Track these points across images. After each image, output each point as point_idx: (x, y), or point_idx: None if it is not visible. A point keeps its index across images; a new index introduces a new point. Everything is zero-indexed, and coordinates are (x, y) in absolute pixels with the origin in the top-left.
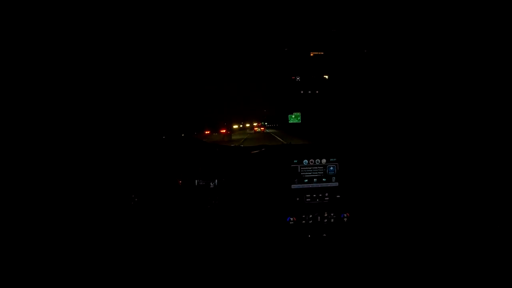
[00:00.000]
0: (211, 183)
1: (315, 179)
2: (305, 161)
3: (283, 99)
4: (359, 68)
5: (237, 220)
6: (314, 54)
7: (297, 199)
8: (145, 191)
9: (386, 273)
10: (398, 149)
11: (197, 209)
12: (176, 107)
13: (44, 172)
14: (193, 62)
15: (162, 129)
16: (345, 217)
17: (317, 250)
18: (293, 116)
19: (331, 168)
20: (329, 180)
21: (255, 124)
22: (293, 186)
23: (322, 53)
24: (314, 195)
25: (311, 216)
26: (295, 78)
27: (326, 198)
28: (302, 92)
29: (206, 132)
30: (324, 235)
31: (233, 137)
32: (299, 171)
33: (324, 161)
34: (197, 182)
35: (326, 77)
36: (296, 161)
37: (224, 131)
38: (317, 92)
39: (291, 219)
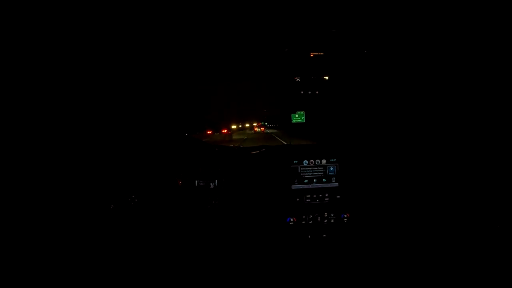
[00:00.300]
0: (211, 184)
1: (315, 180)
2: (305, 161)
3: (286, 98)
4: (359, 69)
5: (237, 221)
6: (314, 55)
7: (297, 199)
8: (145, 192)
9: (386, 274)
10: (398, 150)
11: (197, 209)
12: (178, 107)
13: (44, 173)
14: (193, 63)
15: (165, 129)
16: (345, 218)
17: (317, 250)
18: (296, 116)
19: (331, 168)
20: (329, 180)
21: (255, 124)
22: (293, 187)
23: (322, 53)
24: (314, 196)
25: (311, 216)
26: (296, 79)
27: (326, 199)
28: (302, 92)
29: (208, 132)
30: (324, 235)
31: (233, 137)
32: (299, 171)
33: (324, 161)
34: (197, 182)
35: (326, 77)
36: (296, 161)
37: (225, 131)
38: (317, 92)
39: (291, 219)
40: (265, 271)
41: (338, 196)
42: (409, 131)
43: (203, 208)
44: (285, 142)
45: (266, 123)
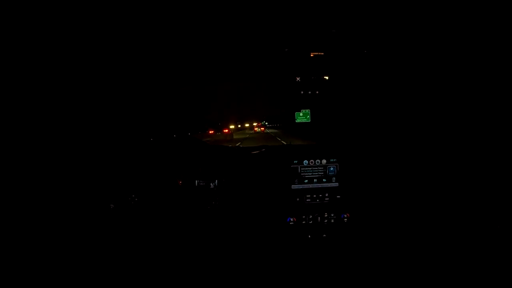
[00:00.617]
0: (211, 184)
1: (315, 180)
2: (305, 161)
3: (290, 97)
4: (359, 69)
5: (237, 221)
6: (314, 55)
7: (297, 199)
8: (146, 191)
9: (386, 274)
10: (398, 150)
11: (197, 209)
12: (178, 107)
13: (44, 173)
14: (193, 63)
15: (166, 129)
16: (345, 218)
17: (317, 250)
18: (301, 115)
19: (331, 168)
20: (329, 180)
21: (254, 124)
22: (293, 187)
23: (322, 53)
24: (314, 196)
25: (311, 216)
26: (296, 79)
27: (326, 199)
28: (302, 92)
29: (210, 132)
30: (324, 235)
31: (234, 137)
32: (299, 171)
33: (324, 161)
34: (197, 182)
35: (326, 77)
36: (296, 161)
37: (226, 130)
38: (317, 92)
39: (291, 219)
40: (266, 271)
41: (338, 196)
42: (409, 131)
43: (203, 208)
44: (285, 142)
45: (266, 123)
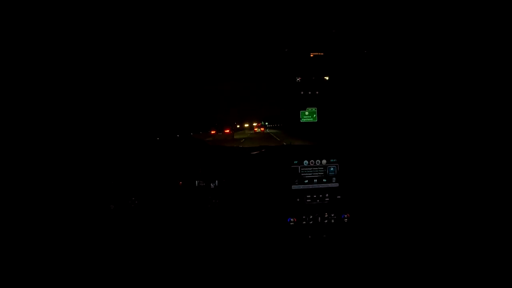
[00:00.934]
0: (211, 184)
1: (315, 180)
2: (306, 161)
3: (292, 96)
4: (359, 69)
5: (237, 221)
6: (314, 55)
7: (298, 199)
8: (145, 193)
9: (386, 274)
10: (399, 150)
11: (197, 210)
12: (181, 108)
13: (43, 175)
14: (194, 63)
15: (167, 130)
16: (345, 218)
17: (317, 250)
18: (306, 113)
19: (332, 168)
20: (329, 180)
21: (254, 124)
22: (294, 187)
23: (322, 53)
24: (315, 196)
25: (311, 216)
26: (297, 79)
27: (326, 199)
28: (302, 92)
29: (212, 132)
30: (325, 235)
31: (235, 137)
32: (299, 171)
33: (324, 161)
34: (198, 183)
35: (326, 78)
36: (296, 161)
37: (227, 131)
38: (317, 93)
39: (292, 219)
40: (266, 271)
41: (339, 197)
42: (409, 131)
43: (204, 209)
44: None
45: (266, 123)
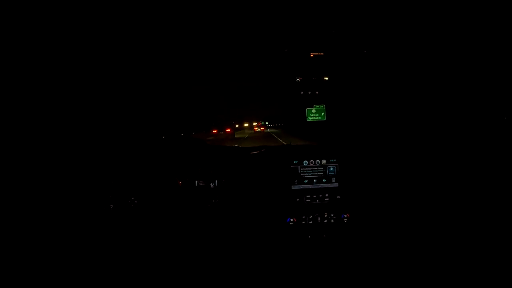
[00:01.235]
0: (211, 184)
1: (315, 180)
2: (305, 161)
3: (292, 96)
4: (359, 69)
5: (237, 221)
6: (314, 55)
7: (297, 199)
8: (145, 193)
9: (386, 274)
10: (398, 150)
11: (197, 209)
12: (182, 108)
13: (42, 175)
14: (193, 64)
15: (167, 129)
16: (345, 218)
17: (317, 250)
18: (313, 111)
19: (331, 168)
20: (329, 180)
21: (254, 124)
22: (293, 187)
23: (322, 54)
24: (314, 196)
25: (311, 216)
26: (297, 79)
27: (326, 199)
28: (302, 93)
29: (214, 131)
30: (324, 235)
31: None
32: (299, 171)
33: (324, 161)
34: (197, 183)
35: (326, 78)
36: (296, 161)
37: (228, 130)
38: (317, 93)
39: (291, 219)
40: (265, 271)
41: (338, 197)
42: (409, 131)
43: (203, 209)
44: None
45: (266, 123)
